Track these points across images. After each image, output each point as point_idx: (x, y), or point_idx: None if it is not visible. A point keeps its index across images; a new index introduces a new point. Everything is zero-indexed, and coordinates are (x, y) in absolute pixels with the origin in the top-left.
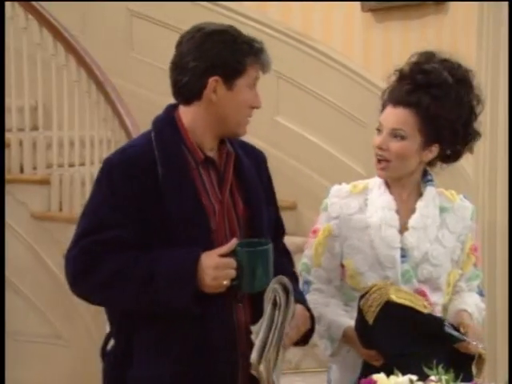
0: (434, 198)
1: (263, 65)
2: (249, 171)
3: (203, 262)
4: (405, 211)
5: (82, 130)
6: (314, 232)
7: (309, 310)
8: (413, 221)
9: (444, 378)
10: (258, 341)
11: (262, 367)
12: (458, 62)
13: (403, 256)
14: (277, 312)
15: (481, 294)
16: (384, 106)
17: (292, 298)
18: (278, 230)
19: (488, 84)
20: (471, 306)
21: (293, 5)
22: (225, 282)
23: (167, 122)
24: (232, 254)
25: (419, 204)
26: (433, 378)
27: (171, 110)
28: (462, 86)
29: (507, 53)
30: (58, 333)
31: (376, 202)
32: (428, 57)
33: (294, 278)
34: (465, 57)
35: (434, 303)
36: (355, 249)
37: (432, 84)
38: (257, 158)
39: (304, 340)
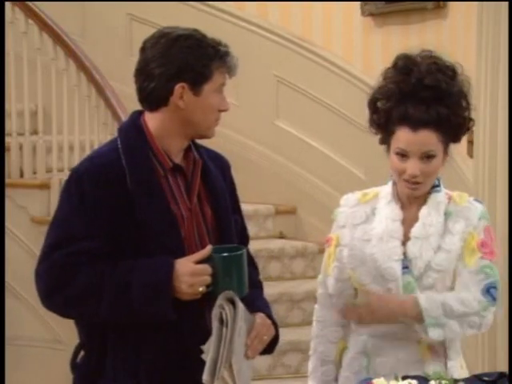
0: (439, 204)
1: (229, 68)
2: (216, 178)
3: (178, 269)
4: (410, 220)
5: (82, 135)
6: (327, 241)
7: (270, 317)
8: (415, 230)
9: (444, 382)
10: (208, 360)
11: None
12: (440, 57)
13: (406, 267)
14: (224, 329)
15: (488, 292)
16: (389, 127)
17: (239, 312)
18: (243, 238)
19: (488, 85)
20: (431, 298)
21: (293, 9)
22: (200, 289)
23: (133, 129)
24: (206, 260)
25: (422, 212)
26: (432, 382)
27: (137, 117)
28: (457, 82)
29: (507, 53)
30: (58, 337)
31: (382, 211)
32: (422, 70)
33: (260, 287)
34: (464, 61)
35: None
36: (358, 260)
37: (441, 96)
38: (221, 165)
39: (270, 348)
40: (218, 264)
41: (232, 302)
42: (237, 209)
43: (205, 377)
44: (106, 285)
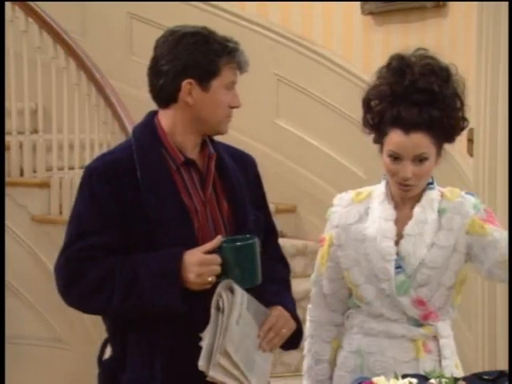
0: (433, 202)
1: (239, 64)
2: (232, 171)
3: (186, 259)
4: (404, 219)
5: (82, 133)
6: (320, 241)
7: (291, 311)
8: (408, 228)
9: (444, 380)
10: (204, 346)
11: (211, 373)
12: (435, 57)
13: (399, 267)
14: (220, 316)
15: None
16: (382, 128)
17: (237, 299)
18: (269, 235)
19: (488, 85)
20: None
21: (293, 8)
22: (210, 279)
23: (146, 128)
24: (218, 250)
25: (416, 210)
26: (433, 381)
27: (151, 116)
28: (451, 83)
29: (507, 53)
30: (58, 336)
31: (375, 211)
32: (415, 72)
33: (284, 284)
34: (464, 59)
35: (439, 307)
36: (352, 260)
37: (434, 100)
38: (244, 162)
39: (294, 343)
40: (227, 254)
41: (231, 291)
42: (260, 205)
43: (201, 363)
44: (116, 278)
